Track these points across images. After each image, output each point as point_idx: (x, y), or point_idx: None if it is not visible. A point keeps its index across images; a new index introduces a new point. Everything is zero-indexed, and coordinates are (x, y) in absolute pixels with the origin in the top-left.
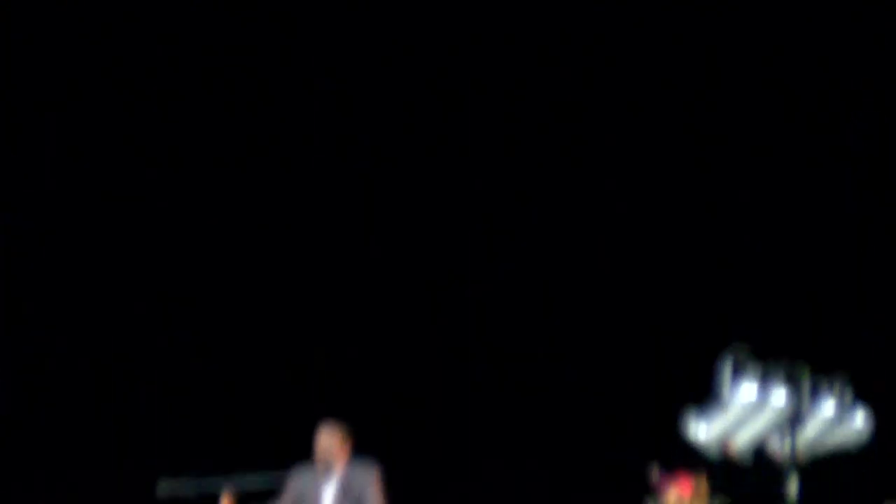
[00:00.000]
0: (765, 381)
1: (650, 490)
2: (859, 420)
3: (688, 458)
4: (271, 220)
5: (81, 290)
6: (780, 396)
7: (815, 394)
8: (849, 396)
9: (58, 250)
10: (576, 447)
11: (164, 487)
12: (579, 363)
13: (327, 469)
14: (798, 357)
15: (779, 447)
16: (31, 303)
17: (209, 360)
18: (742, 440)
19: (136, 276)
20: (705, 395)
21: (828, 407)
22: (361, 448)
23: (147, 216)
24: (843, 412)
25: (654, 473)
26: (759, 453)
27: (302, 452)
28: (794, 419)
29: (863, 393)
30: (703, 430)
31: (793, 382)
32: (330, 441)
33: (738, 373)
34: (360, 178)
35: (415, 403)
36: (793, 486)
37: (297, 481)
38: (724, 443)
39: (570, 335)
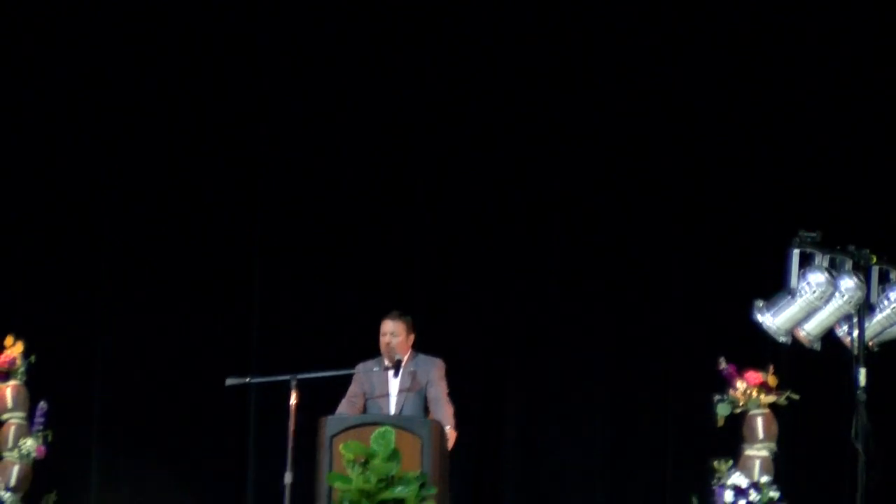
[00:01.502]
0: (833, 270)
1: (720, 383)
2: None
3: (757, 353)
4: None
5: None
6: (848, 285)
7: (883, 281)
8: None
9: None
10: (645, 341)
11: (232, 381)
12: (647, 255)
13: (393, 360)
14: (865, 245)
15: (847, 335)
16: None
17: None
18: (811, 329)
19: None
20: (774, 286)
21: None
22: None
23: None
24: None
25: (723, 367)
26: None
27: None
28: (862, 307)
29: None
30: (771, 320)
31: (860, 270)
32: (395, 331)
33: (805, 262)
34: None
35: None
36: (862, 374)
37: (363, 374)
38: (793, 331)
39: (636, 227)
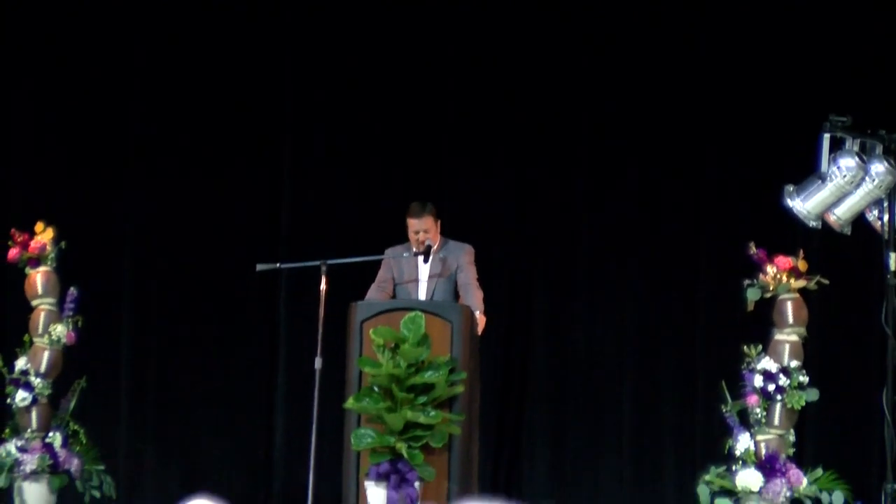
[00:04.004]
0: (863, 155)
1: (750, 268)
2: None
3: (787, 238)
4: None
5: None
6: (878, 169)
7: None
8: None
9: None
10: (675, 226)
11: (262, 267)
12: (677, 140)
13: (423, 246)
14: None
15: (878, 219)
16: None
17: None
18: (841, 213)
19: None
20: (805, 171)
21: None
22: None
23: None
24: None
25: (753, 252)
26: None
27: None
28: (892, 191)
29: None
30: (802, 205)
31: (891, 155)
32: (424, 218)
33: (836, 146)
34: None
35: None
36: (892, 258)
37: (393, 259)
38: (823, 216)
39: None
